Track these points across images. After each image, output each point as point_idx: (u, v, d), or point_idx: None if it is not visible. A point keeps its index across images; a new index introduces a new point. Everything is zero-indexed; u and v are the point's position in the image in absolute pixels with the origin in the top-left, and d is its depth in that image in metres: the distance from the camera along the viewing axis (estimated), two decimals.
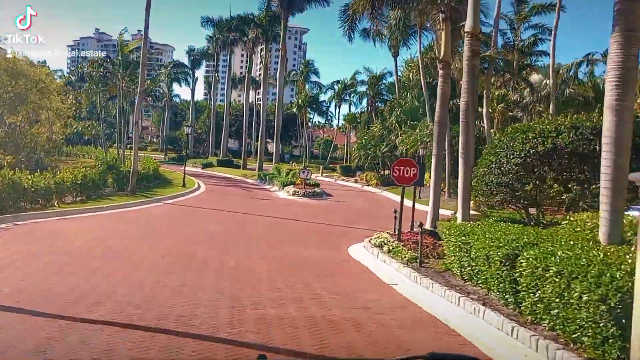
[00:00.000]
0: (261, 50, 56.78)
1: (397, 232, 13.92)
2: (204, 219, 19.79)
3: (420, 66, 35.20)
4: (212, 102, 65.54)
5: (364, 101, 68.55)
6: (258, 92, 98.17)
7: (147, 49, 28.94)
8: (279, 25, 44.32)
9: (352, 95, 69.15)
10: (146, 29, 26.04)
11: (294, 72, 74.88)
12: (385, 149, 39.87)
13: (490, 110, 30.49)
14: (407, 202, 33.05)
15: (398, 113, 38.65)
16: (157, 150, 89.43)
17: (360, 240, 15.31)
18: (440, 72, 15.81)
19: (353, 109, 70.69)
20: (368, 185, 42.07)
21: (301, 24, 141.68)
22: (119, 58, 42.67)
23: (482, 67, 27.67)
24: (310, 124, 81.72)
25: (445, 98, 15.91)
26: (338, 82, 69.32)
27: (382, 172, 42.19)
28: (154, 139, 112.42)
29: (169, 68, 72.41)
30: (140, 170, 28.97)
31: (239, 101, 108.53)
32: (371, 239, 14.66)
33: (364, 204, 29.81)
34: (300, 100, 72.83)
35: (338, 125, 72.52)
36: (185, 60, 67.63)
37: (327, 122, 76.14)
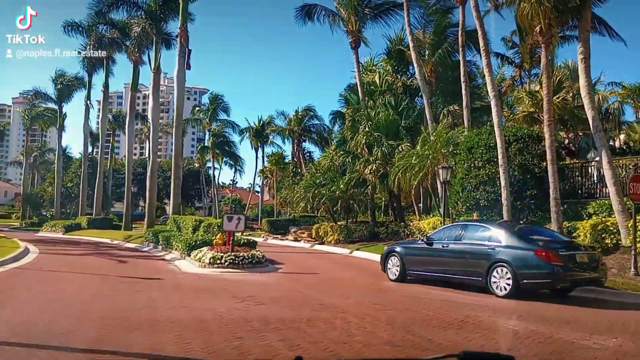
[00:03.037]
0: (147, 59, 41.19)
1: None
2: None
3: (411, 45, 22.07)
4: (84, 138, 47.57)
5: (288, 149, 54.87)
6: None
7: None
8: (176, 11, 29.19)
9: (272, 136, 55.02)
10: None
11: (198, 108, 59.12)
12: (349, 184, 25.65)
13: None
14: None
15: (368, 129, 24.90)
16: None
17: None
18: None
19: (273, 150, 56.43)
20: (321, 244, 27.38)
21: (201, 83, 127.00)
22: None
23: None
24: (217, 178, 65.97)
25: None
26: (250, 126, 55.13)
27: (346, 221, 27.68)
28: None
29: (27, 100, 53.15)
30: None
31: (128, 156, 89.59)
32: None
33: (357, 278, 15.06)
34: (206, 143, 57.57)
35: (257, 169, 57.29)
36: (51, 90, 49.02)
37: (239, 168, 60.52)
